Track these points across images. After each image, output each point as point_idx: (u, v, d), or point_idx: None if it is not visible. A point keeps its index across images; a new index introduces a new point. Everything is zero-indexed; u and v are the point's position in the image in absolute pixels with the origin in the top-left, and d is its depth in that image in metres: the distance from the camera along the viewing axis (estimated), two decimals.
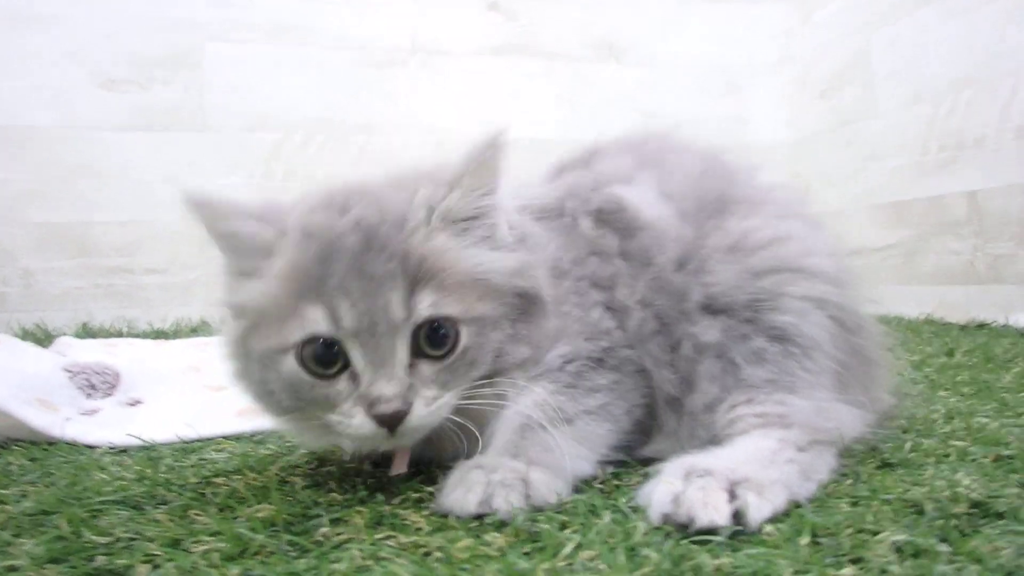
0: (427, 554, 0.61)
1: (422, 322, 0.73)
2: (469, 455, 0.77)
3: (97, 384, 1.36)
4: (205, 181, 2.54)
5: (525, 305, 0.80)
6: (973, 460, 0.82)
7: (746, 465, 0.70)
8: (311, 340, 0.73)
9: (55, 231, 2.48)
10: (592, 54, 3.09)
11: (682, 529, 0.63)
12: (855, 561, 0.57)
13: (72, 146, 2.50)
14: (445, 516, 0.69)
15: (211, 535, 0.66)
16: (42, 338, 2.00)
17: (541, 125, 2.91)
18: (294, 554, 0.62)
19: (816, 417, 0.79)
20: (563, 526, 0.66)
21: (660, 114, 3.07)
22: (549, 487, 0.72)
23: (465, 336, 0.75)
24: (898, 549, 0.58)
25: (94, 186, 2.52)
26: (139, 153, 2.56)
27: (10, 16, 2.45)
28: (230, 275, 0.80)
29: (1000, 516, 0.65)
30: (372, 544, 0.63)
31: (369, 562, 0.59)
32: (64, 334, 2.00)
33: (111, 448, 1.08)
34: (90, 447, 1.09)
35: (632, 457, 0.85)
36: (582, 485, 0.77)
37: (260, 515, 0.70)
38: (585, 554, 0.59)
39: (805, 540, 0.60)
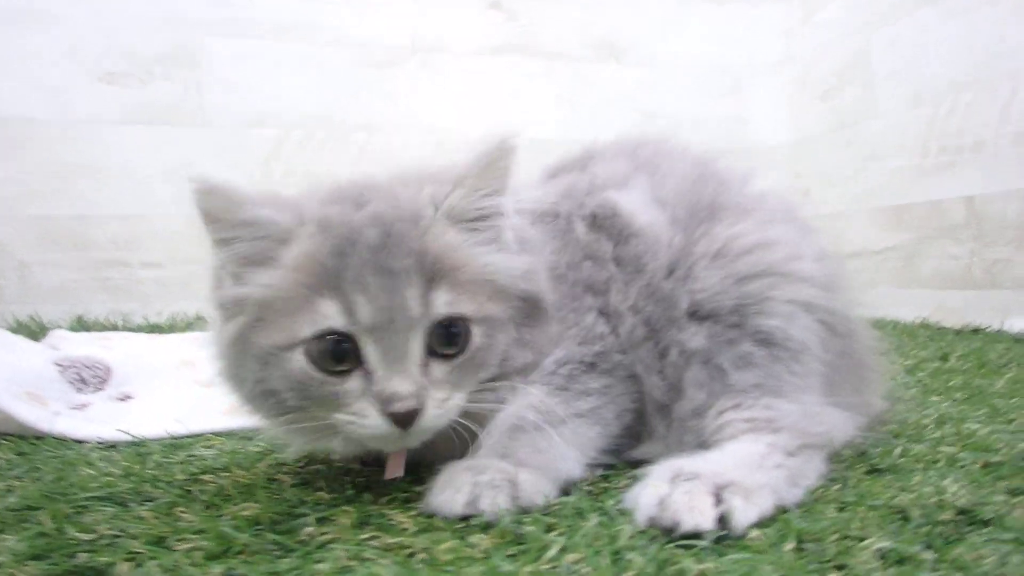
0: (411, 555, 0.61)
1: (438, 320, 0.73)
2: (463, 457, 0.76)
3: (87, 378, 1.35)
4: None
5: (529, 309, 0.80)
6: (962, 466, 0.82)
7: (734, 469, 0.70)
8: (323, 335, 0.71)
9: (52, 225, 2.47)
10: (592, 54, 3.08)
11: (668, 533, 0.63)
12: (839, 567, 0.57)
13: (70, 141, 2.49)
14: (432, 517, 0.69)
15: (195, 533, 0.66)
16: (36, 331, 1.99)
17: (541, 125, 2.90)
18: (278, 553, 0.62)
19: (805, 421, 0.79)
20: (549, 528, 0.65)
21: (660, 114, 3.06)
22: (537, 489, 0.72)
23: (476, 336, 0.75)
24: (882, 556, 0.58)
25: (92, 181, 2.51)
26: (138, 149, 2.55)
27: (9, 12, 2.44)
28: (225, 272, 0.77)
29: (986, 523, 0.65)
30: (357, 544, 0.63)
31: (353, 563, 0.59)
32: (59, 327, 2.00)
33: (100, 443, 1.08)
34: (79, 442, 1.08)
35: (621, 459, 0.85)
36: (570, 487, 0.77)
37: (245, 513, 0.70)
38: (570, 557, 0.59)
39: (790, 546, 0.60)
